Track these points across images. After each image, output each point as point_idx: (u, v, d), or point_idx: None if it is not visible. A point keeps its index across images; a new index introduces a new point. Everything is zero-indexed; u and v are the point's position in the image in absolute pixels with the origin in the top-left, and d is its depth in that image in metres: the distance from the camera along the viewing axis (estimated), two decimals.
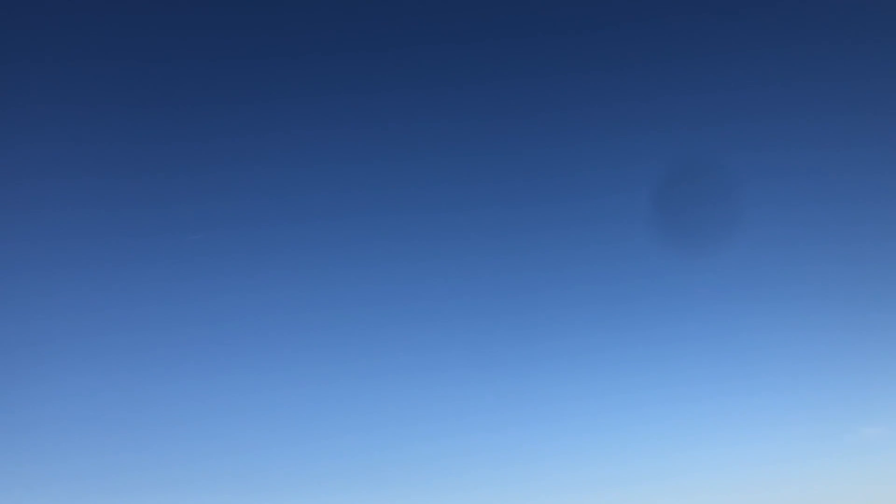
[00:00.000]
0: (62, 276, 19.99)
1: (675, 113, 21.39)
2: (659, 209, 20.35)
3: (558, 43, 21.29)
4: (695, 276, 20.73)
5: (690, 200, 20.65)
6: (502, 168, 21.32)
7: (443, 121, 21.01)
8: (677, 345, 20.58)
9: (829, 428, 19.49)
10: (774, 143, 21.31)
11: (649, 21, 21.43)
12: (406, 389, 20.19)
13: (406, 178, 20.90)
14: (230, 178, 20.53)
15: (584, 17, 21.34)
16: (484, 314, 20.91)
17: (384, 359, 20.32)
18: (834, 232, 21.13)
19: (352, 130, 20.95)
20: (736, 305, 20.83)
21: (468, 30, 21.19)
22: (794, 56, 21.34)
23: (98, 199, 20.16)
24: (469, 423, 20.17)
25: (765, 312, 20.79)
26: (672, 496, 18.60)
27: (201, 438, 19.32)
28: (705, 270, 20.68)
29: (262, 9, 20.84)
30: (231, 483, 18.63)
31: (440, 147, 21.15)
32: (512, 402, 20.22)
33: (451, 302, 20.98)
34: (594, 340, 20.67)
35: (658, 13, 21.38)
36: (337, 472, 19.04)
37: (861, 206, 21.25)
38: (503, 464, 19.45)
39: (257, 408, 19.91)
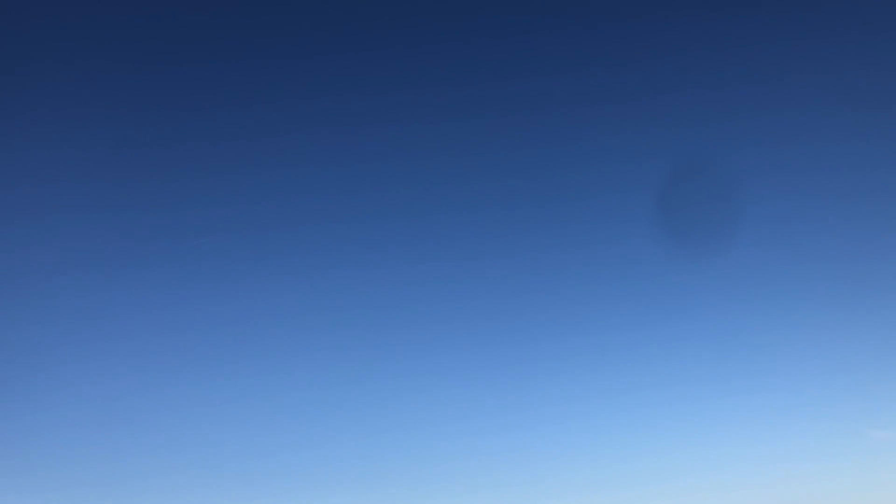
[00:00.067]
0: (65, 279, 20.07)
1: (678, 110, 21.25)
2: (663, 208, 20.24)
3: (558, 40, 21.22)
4: (700, 275, 20.62)
5: (695, 198, 20.56)
6: (501, 168, 21.26)
7: (442, 121, 20.95)
8: (683, 345, 20.48)
9: (838, 431, 19.32)
10: (780, 139, 21.18)
11: (651, 17, 21.30)
12: (407, 391, 20.19)
13: (406, 179, 20.87)
14: (231, 182, 20.54)
15: (583, 13, 21.22)
16: (485, 315, 20.88)
17: (385, 362, 20.33)
18: (844, 230, 20.95)
19: (350, 132, 20.92)
20: (742, 305, 20.71)
21: (465, 28, 21.10)
22: (799, 51, 21.17)
23: (97, 202, 20.19)
24: (472, 424, 20.16)
25: (772, 312, 20.65)
26: (678, 497, 18.55)
27: (210, 441, 19.40)
28: (710, 269, 20.57)
29: (268, 10, 20.84)
30: (237, 487, 18.70)
31: (440, 148, 21.10)
32: (515, 404, 20.22)
33: (454, 304, 20.96)
34: (598, 341, 20.62)
35: (659, 9, 21.25)
36: (341, 475, 19.07)
37: (871, 203, 21.05)
38: (507, 466, 19.45)
39: (262, 411, 19.94)
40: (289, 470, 19.20)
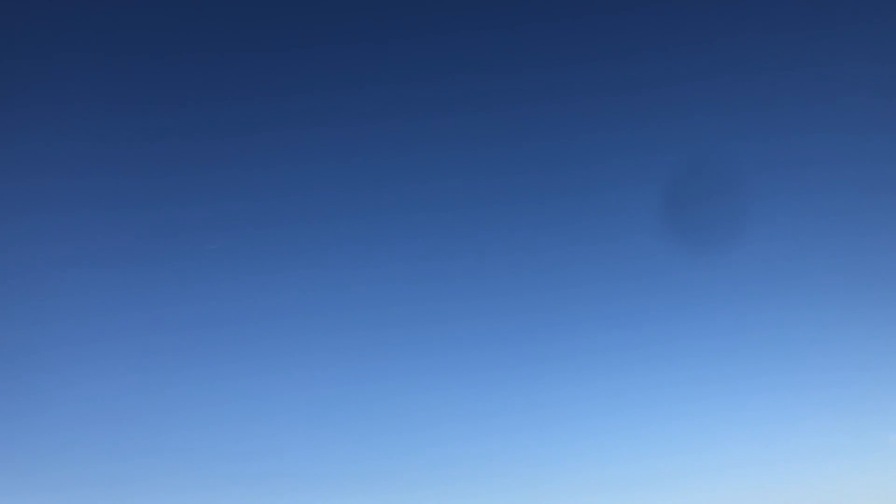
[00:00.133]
0: (65, 277, 19.97)
1: (684, 104, 20.91)
2: (671, 204, 19.90)
3: (563, 32, 20.91)
4: (709, 273, 20.27)
5: (704, 194, 20.16)
6: (506, 163, 20.98)
7: (447, 115, 20.71)
8: (693, 343, 20.16)
9: (854, 433, 18.91)
10: (788, 133, 20.77)
11: (659, 9, 20.95)
12: (410, 391, 19.98)
13: (410, 175, 20.65)
14: (232, 180, 20.38)
15: (591, 5, 20.91)
16: (490, 314, 20.64)
17: (386, 361, 20.12)
18: (856, 226, 20.48)
19: (353, 127, 20.70)
20: (755, 303, 20.34)
21: (471, 20, 20.85)
22: (808, 45, 20.77)
23: (97, 199, 20.09)
24: (476, 424, 19.92)
25: (785, 311, 20.27)
26: (688, 499, 18.26)
27: (211, 441, 19.26)
28: (720, 266, 20.24)
29: (267, 4, 20.67)
30: (238, 487, 18.55)
31: (444, 143, 20.87)
32: (518, 404, 19.97)
33: (457, 302, 20.73)
34: (605, 338, 20.33)
35: (668, 0, 20.92)
36: (342, 476, 18.89)
37: (885, 198, 20.60)
38: (511, 467, 19.21)
39: (264, 411, 19.78)
40: (291, 471, 19.03)
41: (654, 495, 18.03)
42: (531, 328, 20.37)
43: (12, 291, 19.30)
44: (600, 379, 19.74)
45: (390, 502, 18.08)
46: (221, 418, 19.53)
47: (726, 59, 20.76)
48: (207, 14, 20.54)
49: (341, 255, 20.56)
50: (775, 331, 19.94)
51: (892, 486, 17.80)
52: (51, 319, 19.55)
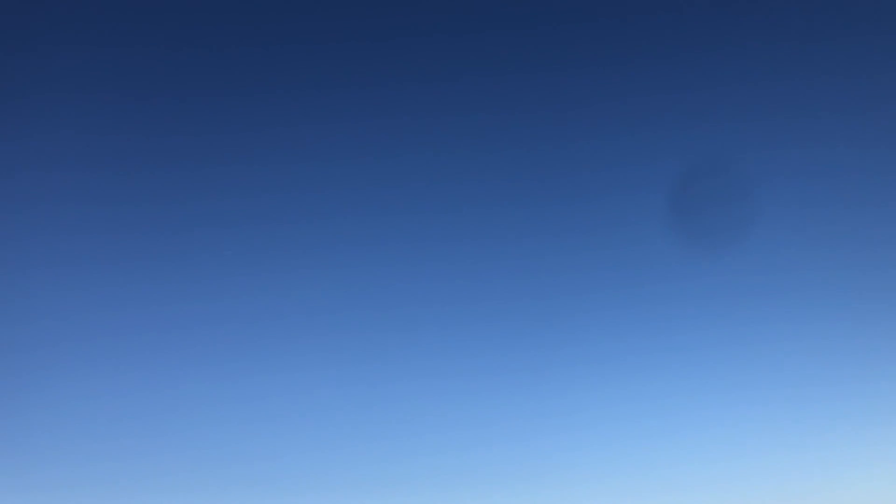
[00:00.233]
0: (64, 274, 19.76)
1: (691, 109, 20.93)
2: (677, 209, 19.93)
3: (570, 35, 20.86)
4: (718, 277, 20.23)
5: (713, 199, 20.20)
6: (511, 166, 20.92)
7: (451, 116, 20.61)
8: (699, 349, 20.05)
9: (868, 437, 18.92)
10: (796, 141, 20.81)
11: (665, 13, 20.95)
12: (410, 394, 19.89)
13: (414, 175, 20.52)
14: (233, 177, 20.17)
15: (597, 7, 20.89)
16: (495, 317, 20.50)
17: (387, 363, 20.02)
18: (865, 231, 20.53)
19: (353, 126, 20.58)
20: (764, 306, 20.22)
21: (474, 20, 20.78)
22: (815, 51, 20.83)
23: (97, 195, 19.87)
24: (480, 428, 19.82)
25: (797, 315, 20.14)
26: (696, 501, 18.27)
27: (211, 441, 19.08)
28: (729, 271, 20.20)
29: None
30: (240, 487, 18.40)
31: (449, 144, 20.76)
32: (524, 409, 19.88)
33: (460, 304, 20.61)
34: (611, 343, 20.23)
35: (676, 4, 20.92)
36: (344, 477, 18.80)
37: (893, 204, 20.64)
38: (513, 471, 19.13)
39: (267, 411, 19.55)
40: (292, 471, 18.89)
41: (666, 501, 18.04)
42: (537, 331, 20.33)
43: (12, 289, 19.08)
44: (605, 383, 19.70)
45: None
46: (222, 418, 19.33)
47: (739, 65, 20.80)
48: (210, 9, 20.39)
49: (348, 255, 20.41)
50: (790, 335, 19.95)
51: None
52: (49, 317, 19.34)
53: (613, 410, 19.68)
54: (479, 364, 20.20)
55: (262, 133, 20.82)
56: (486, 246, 21.24)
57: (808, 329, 19.94)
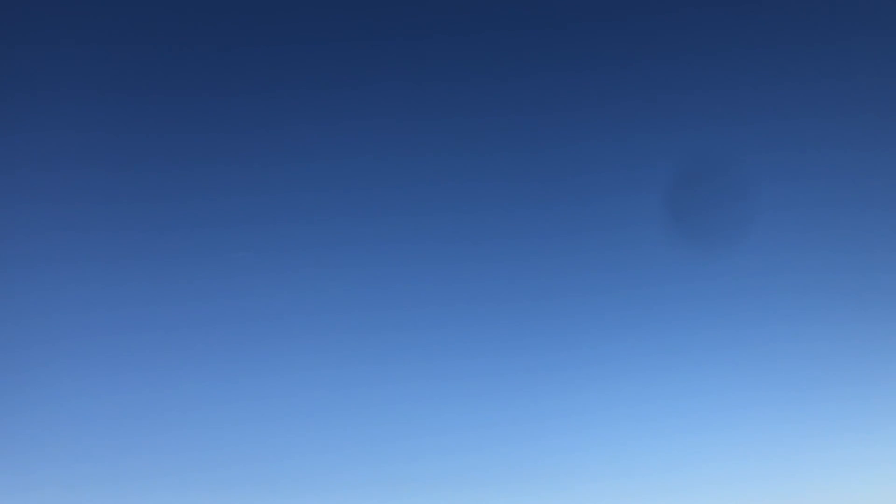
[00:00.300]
0: (64, 273, 19.73)
1: (690, 111, 20.99)
2: (676, 211, 19.97)
3: (568, 36, 20.89)
4: (717, 279, 20.27)
5: (711, 201, 20.23)
6: (510, 167, 20.95)
7: (450, 117, 20.64)
8: (700, 349, 20.07)
9: (871, 438, 18.97)
10: (795, 143, 20.87)
11: (664, 14, 21.00)
12: (412, 395, 19.92)
13: (416, 176, 20.55)
14: (235, 176, 20.17)
15: (594, 9, 20.92)
16: (494, 315, 20.55)
17: (390, 363, 20.04)
18: (864, 233, 20.59)
19: (354, 127, 20.59)
20: (764, 307, 20.27)
21: (472, 22, 20.79)
22: (813, 52, 20.90)
23: (92, 194, 19.84)
24: (482, 429, 19.86)
25: (798, 314, 20.18)
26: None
27: (213, 441, 19.07)
28: (728, 272, 20.24)
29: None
30: (241, 488, 18.41)
31: (450, 145, 20.77)
32: (523, 411, 19.93)
33: (460, 306, 20.64)
34: (612, 345, 20.25)
35: (671, 6, 20.98)
36: (346, 478, 18.83)
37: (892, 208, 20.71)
38: (514, 471, 19.16)
39: (268, 411, 19.55)
40: (293, 472, 18.90)
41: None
42: (536, 332, 20.36)
43: (11, 288, 19.04)
44: (605, 383, 19.74)
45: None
46: (222, 418, 19.33)
47: (738, 67, 20.87)
48: (210, 9, 20.38)
49: (348, 255, 20.42)
50: (789, 336, 20.01)
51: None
52: (49, 317, 19.31)
53: (613, 411, 19.69)
54: (479, 365, 20.24)
55: (262, 133, 20.81)
56: (486, 247, 21.28)
57: (808, 330, 20.03)
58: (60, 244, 20.06)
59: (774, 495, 18.33)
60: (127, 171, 20.43)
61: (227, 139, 20.79)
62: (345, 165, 21.46)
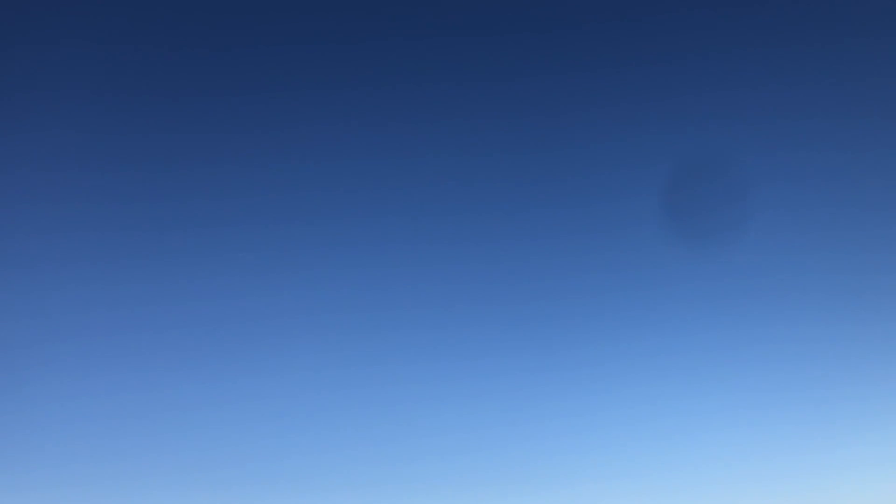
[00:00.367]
0: (63, 273, 19.72)
1: (689, 112, 21.01)
2: (673, 211, 20.00)
3: (567, 38, 20.92)
4: (716, 279, 20.28)
5: (710, 201, 20.27)
6: (510, 168, 20.97)
7: (449, 119, 20.64)
8: (700, 350, 20.07)
9: (873, 439, 18.95)
10: (795, 143, 20.90)
11: (662, 16, 21.02)
12: (411, 396, 19.92)
13: (417, 177, 20.55)
14: (235, 175, 20.18)
15: (593, 11, 20.95)
16: (493, 319, 20.58)
17: (390, 364, 20.04)
18: (865, 233, 20.59)
19: (354, 127, 20.60)
20: (764, 307, 20.26)
21: (472, 24, 20.82)
22: (811, 54, 20.93)
23: (92, 193, 19.84)
24: (481, 431, 19.87)
25: (797, 314, 20.19)
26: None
27: (213, 441, 19.07)
28: (728, 272, 20.26)
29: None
30: (243, 489, 18.40)
31: (451, 147, 20.79)
32: (523, 410, 19.91)
33: (460, 307, 20.64)
34: (609, 346, 20.26)
35: (669, 7, 21.01)
36: (346, 478, 18.83)
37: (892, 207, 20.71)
38: (514, 471, 19.16)
39: (269, 411, 19.56)
40: (293, 472, 18.89)
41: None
42: (535, 332, 20.37)
43: (11, 288, 19.02)
44: (604, 384, 19.75)
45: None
46: (222, 418, 19.33)
47: (736, 67, 20.90)
48: (211, 9, 20.38)
49: (348, 255, 20.42)
50: (788, 336, 20.00)
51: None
52: (48, 316, 19.30)
53: (613, 411, 19.71)
54: (479, 365, 20.25)
55: (263, 133, 20.83)
56: (487, 247, 21.30)
57: (808, 330, 20.05)
58: (60, 244, 20.06)
59: (774, 495, 18.36)
60: (127, 171, 20.43)
61: (227, 139, 20.79)
62: (346, 166, 21.48)
